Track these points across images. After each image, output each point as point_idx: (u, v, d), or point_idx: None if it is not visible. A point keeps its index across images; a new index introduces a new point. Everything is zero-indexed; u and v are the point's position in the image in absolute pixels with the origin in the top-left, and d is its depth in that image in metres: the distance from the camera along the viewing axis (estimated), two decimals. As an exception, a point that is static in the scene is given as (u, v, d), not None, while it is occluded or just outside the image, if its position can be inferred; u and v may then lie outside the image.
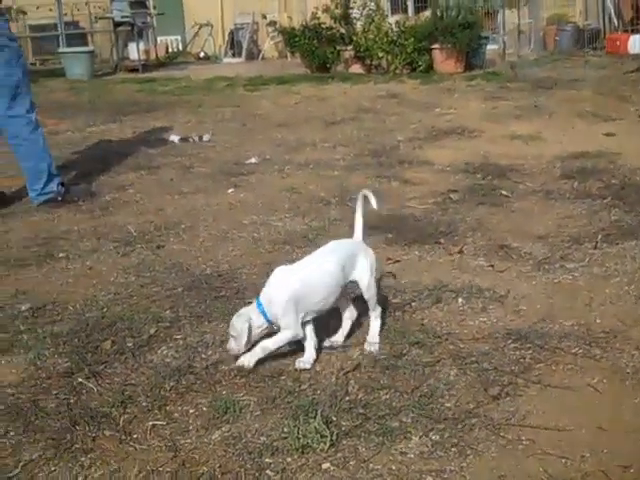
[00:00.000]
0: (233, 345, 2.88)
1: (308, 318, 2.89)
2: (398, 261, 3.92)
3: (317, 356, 2.91)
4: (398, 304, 3.38)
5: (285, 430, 2.46)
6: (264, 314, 2.85)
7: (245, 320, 2.83)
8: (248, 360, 2.86)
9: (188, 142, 7.41)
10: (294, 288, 2.83)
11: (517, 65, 11.83)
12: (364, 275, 2.96)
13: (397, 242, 4.21)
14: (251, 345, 2.85)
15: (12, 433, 2.56)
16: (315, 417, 2.48)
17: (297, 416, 2.52)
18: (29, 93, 5.28)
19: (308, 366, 2.86)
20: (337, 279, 2.90)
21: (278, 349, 2.89)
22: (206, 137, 7.52)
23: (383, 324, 3.11)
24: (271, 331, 2.89)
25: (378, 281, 3.55)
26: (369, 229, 4.35)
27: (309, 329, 2.91)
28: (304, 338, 2.89)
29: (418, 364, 2.84)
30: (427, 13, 14.03)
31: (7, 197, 5.53)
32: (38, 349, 3.14)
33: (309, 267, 2.93)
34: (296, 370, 2.84)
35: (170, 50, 19.56)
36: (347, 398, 2.64)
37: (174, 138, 7.55)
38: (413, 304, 3.38)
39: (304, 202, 5.03)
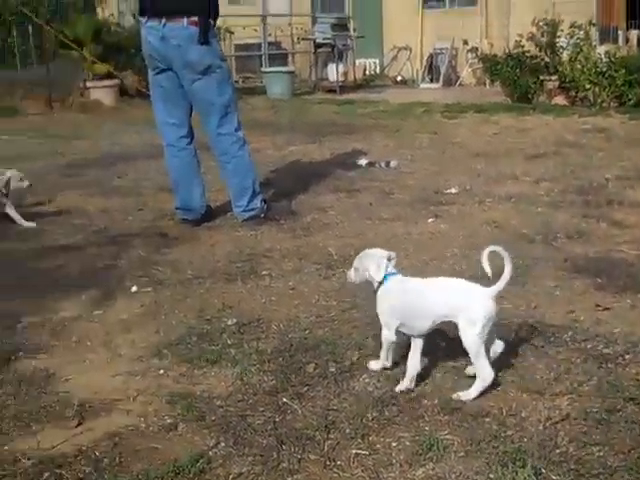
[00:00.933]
0: (352, 276, 3.16)
1: (402, 329, 3.04)
2: (608, 308, 3.74)
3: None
4: (609, 355, 3.22)
5: (491, 476, 2.41)
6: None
7: (374, 263, 3.06)
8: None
9: (375, 167, 7.45)
10: (398, 296, 3.05)
11: None
12: (465, 325, 2.88)
13: (607, 288, 4.01)
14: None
15: (222, 444, 2.66)
16: (524, 467, 2.41)
17: (504, 463, 2.45)
18: (237, 112, 5.51)
19: (404, 388, 2.98)
20: (433, 309, 2.97)
21: (389, 349, 3.09)
22: (393, 163, 7.54)
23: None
24: None
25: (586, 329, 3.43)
26: (575, 272, 4.26)
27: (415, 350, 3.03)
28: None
29: (635, 422, 2.68)
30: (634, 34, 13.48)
31: (213, 211, 5.78)
32: (245, 364, 3.25)
33: (419, 284, 3.09)
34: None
35: (367, 72, 19.86)
36: (557, 450, 2.53)
37: (362, 162, 7.63)
38: (627, 356, 3.20)
39: (506, 237, 4.91)
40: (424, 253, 4.68)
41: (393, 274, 3.10)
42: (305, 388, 3.04)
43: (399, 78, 18.60)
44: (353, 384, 3.07)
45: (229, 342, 3.49)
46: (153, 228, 5.51)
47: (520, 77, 12.56)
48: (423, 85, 17.41)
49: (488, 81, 15.34)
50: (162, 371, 3.24)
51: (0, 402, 2.99)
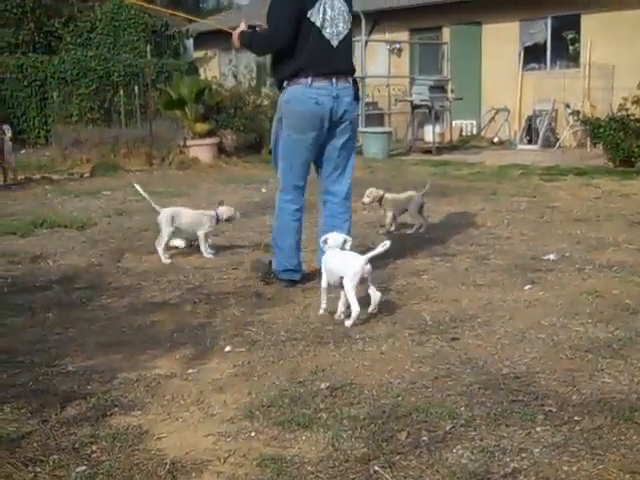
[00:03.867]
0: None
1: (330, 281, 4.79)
2: None
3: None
4: None
5: None
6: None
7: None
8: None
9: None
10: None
11: None
12: (345, 278, 4.59)
13: None
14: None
15: (312, 515, 2.62)
16: None
17: None
18: None
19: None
20: (334, 267, 4.73)
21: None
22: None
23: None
24: None
25: None
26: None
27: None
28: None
29: None
30: None
31: (306, 272, 5.78)
32: (336, 430, 3.21)
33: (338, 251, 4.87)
34: None
35: (464, 133, 19.84)
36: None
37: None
38: None
39: (607, 308, 4.75)
40: (520, 322, 4.56)
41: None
42: (397, 457, 2.98)
43: (496, 139, 18.50)
44: (446, 455, 2.99)
45: (321, 406, 3.46)
46: (248, 287, 5.55)
47: (624, 140, 12.31)
48: (520, 146, 17.23)
49: (589, 144, 15.10)
50: (253, 433, 3.23)
51: (94, 458, 3.04)
